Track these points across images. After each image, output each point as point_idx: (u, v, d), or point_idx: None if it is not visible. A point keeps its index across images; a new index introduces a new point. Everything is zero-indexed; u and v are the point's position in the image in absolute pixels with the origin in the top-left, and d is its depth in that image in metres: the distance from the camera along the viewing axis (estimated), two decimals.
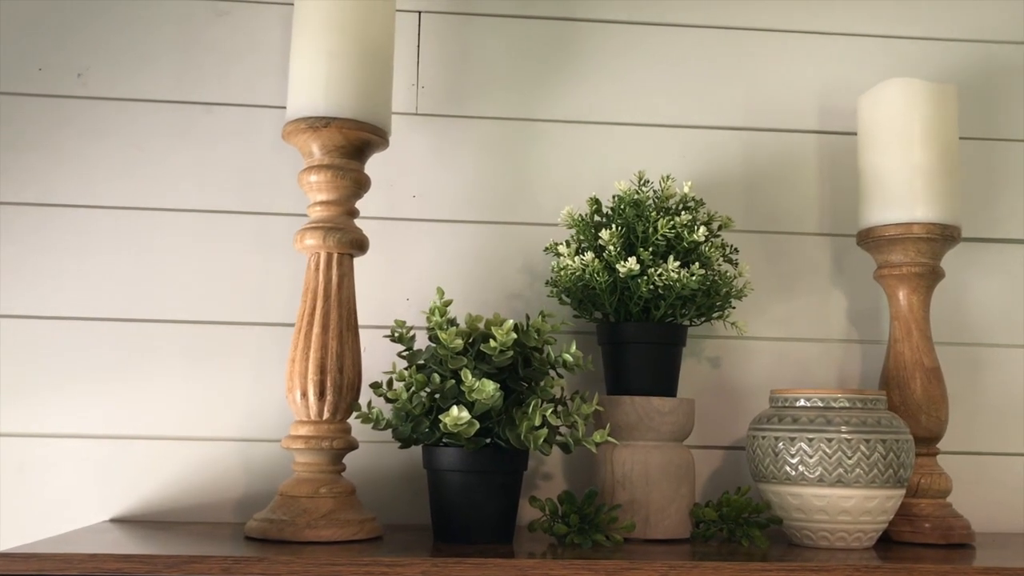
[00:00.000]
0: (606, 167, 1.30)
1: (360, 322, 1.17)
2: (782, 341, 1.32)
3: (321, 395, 1.07)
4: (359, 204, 1.16)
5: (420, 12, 1.33)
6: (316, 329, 1.09)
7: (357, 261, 1.21)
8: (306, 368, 1.08)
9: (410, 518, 1.22)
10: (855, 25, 1.37)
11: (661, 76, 1.35)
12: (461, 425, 0.99)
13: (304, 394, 1.07)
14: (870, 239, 1.22)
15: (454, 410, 0.99)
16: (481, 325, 1.09)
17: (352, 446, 1.09)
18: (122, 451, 1.22)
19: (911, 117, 1.20)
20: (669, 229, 1.11)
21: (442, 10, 1.34)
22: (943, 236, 1.18)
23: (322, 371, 1.07)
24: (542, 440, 1.01)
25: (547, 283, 1.21)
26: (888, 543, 1.15)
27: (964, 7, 1.39)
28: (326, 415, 1.08)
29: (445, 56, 1.33)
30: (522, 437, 1.01)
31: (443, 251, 1.30)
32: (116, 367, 1.23)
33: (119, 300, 1.24)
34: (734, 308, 1.22)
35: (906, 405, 1.18)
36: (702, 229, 1.11)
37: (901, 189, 1.20)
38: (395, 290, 1.28)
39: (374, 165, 1.23)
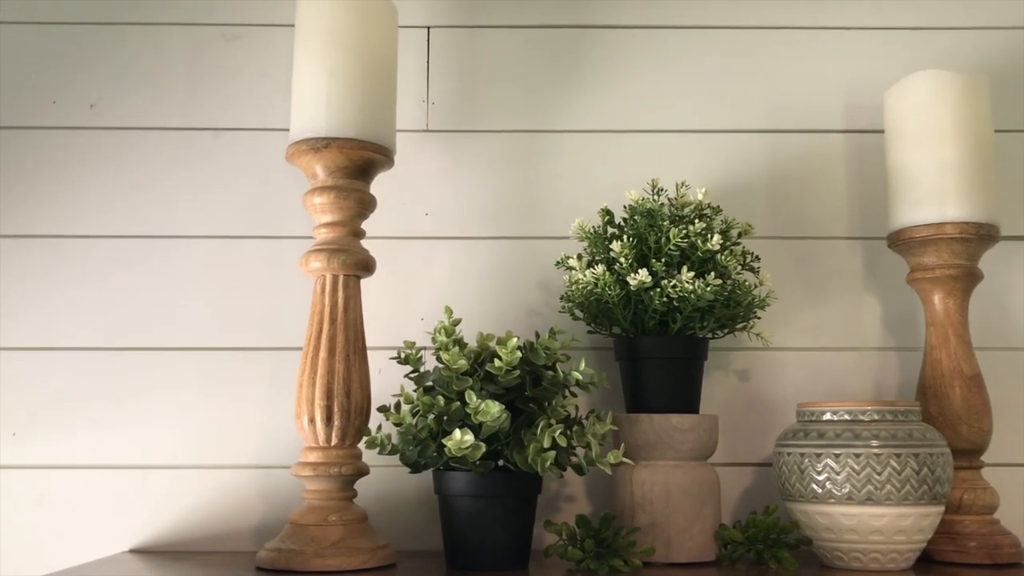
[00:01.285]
0: (623, 176, 1.26)
1: (375, 343, 1.16)
2: (813, 351, 1.26)
3: (328, 420, 1.05)
4: (371, 223, 1.15)
5: (429, 27, 1.31)
6: (323, 353, 1.07)
7: (371, 281, 1.19)
8: (313, 393, 1.06)
9: (427, 544, 1.19)
10: (881, 18, 1.31)
11: (677, 80, 1.31)
12: (465, 449, 0.96)
13: (312, 420, 1.05)
14: (901, 241, 1.16)
15: (457, 433, 0.96)
16: (493, 344, 1.06)
17: (362, 472, 1.07)
18: (140, 481, 1.21)
19: (940, 111, 1.14)
20: (682, 239, 1.07)
21: (451, 24, 1.31)
22: (978, 236, 1.12)
23: (329, 396, 1.05)
24: (549, 463, 0.97)
25: (562, 298, 1.17)
26: (930, 563, 1.08)
27: None
28: (334, 440, 1.05)
29: (455, 71, 1.31)
30: (529, 460, 0.97)
31: (458, 269, 1.27)
32: (132, 396, 1.22)
33: (134, 329, 1.24)
34: (759, 318, 1.17)
35: (944, 416, 1.11)
36: (716, 237, 1.06)
37: (932, 187, 1.13)
38: (410, 310, 1.25)
39: (386, 183, 1.22)
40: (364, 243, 1.14)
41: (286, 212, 1.26)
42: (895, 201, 1.17)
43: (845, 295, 1.27)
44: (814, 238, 1.28)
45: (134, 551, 1.19)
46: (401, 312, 1.25)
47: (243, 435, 1.22)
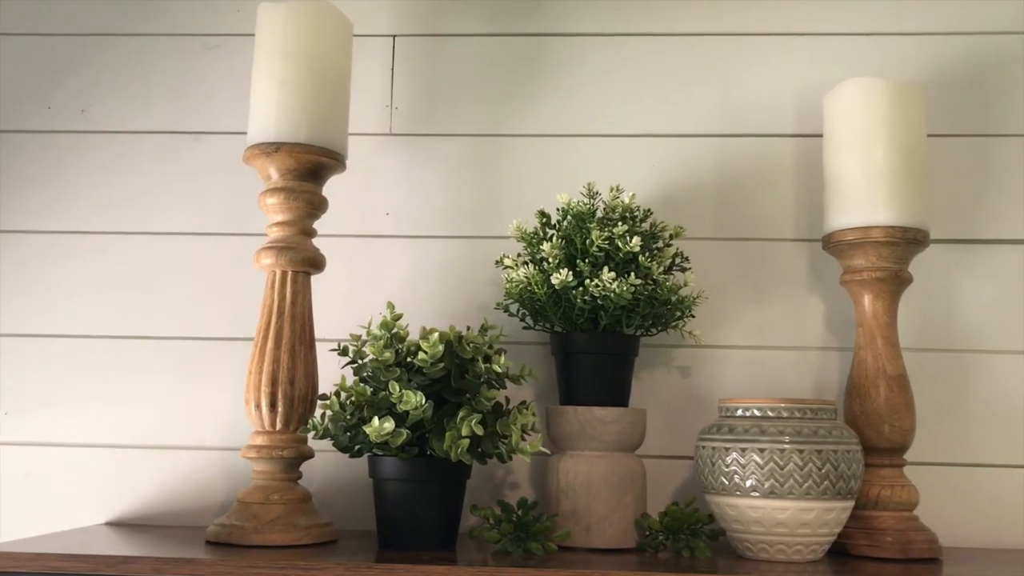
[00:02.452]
0: (576, 179, 1.31)
1: (337, 335, 1.23)
2: (757, 349, 1.30)
3: (273, 406, 1.13)
4: (335, 221, 1.25)
5: (394, 36, 1.38)
6: (270, 344, 1.15)
7: (335, 277, 1.28)
8: (260, 381, 1.14)
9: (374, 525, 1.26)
10: (831, 24, 1.34)
11: (631, 86, 1.35)
12: (384, 435, 1.03)
13: (258, 405, 1.13)
14: (832, 244, 1.19)
15: (375, 421, 1.03)
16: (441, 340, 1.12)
17: (305, 456, 1.15)
18: (117, 459, 1.31)
19: (871, 117, 1.17)
20: (604, 241, 1.12)
21: (415, 33, 1.38)
22: (904, 240, 1.14)
23: (273, 383, 1.13)
24: (462, 449, 1.03)
25: (506, 296, 1.23)
26: (845, 557, 1.12)
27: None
28: (279, 425, 1.13)
29: (418, 77, 1.38)
30: (445, 447, 1.04)
31: (415, 266, 1.34)
32: (112, 381, 1.33)
33: (116, 318, 1.34)
34: (693, 316, 1.21)
35: (867, 415, 1.14)
36: (635, 239, 1.11)
37: (861, 192, 1.16)
38: (370, 304, 1.32)
39: (349, 184, 1.30)
40: (327, 240, 1.23)
41: (259, 210, 1.34)
42: (828, 204, 1.20)
43: (789, 296, 1.31)
44: (761, 239, 1.32)
45: (109, 523, 1.29)
46: (362, 306, 1.32)
47: (211, 419, 1.31)
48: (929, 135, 1.30)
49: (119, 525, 1.28)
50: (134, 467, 1.31)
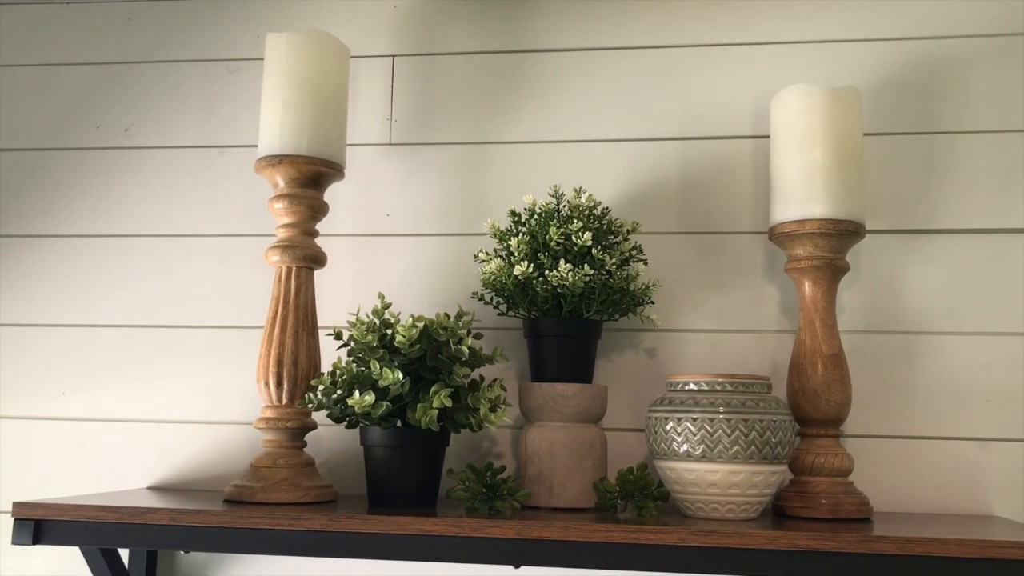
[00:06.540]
0: (553, 181, 1.45)
1: (342, 324, 1.40)
2: (718, 333, 1.43)
3: (279, 384, 1.31)
4: (340, 222, 1.43)
5: (393, 56, 1.55)
6: (276, 330, 1.32)
7: (341, 271, 1.45)
8: (268, 362, 1.31)
9: None
10: (786, 33, 1.46)
11: (602, 96, 1.49)
12: (365, 407, 1.19)
13: (266, 383, 1.31)
14: (775, 235, 1.31)
15: (356, 394, 1.19)
16: (420, 324, 1.28)
17: (308, 427, 1.32)
18: (157, 432, 1.51)
19: (807, 120, 1.28)
20: (561, 236, 1.26)
21: (412, 53, 1.54)
22: (837, 231, 1.26)
23: (279, 364, 1.31)
24: (432, 419, 1.19)
25: (483, 285, 1.38)
26: (782, 517, 1.24)
27: (898, 7, 1.44)
28: (284, 401, 1.31)
29: (415, 92, 1.54)
30: (417, 416, 1.20)
31: (412, 261, 1.50)
32: (152, 364, 1.52)
33: (153, 309, 1.53)
34: (652, 303, 1.35)
35: (804, 390, 1.26)
36: (587, 234, 1.25)
37: (799, 187, 1.28)
38: (373, 294, 1.48)
39: (353, 189, 1.48)
40: (336, 239, 1.41)
41: None
42: (773, 199, 1.33)
43: (747, 283, 1.43)
44: (721, 233, 1.44)
45: (150, 488, 1.49)
46: (365, 297, 1.48)
47: (236, 397, 1.50)
48: (877, 134, 1.42)
49: (158, 489, 1.48)
50: (171, 439, 1.50)
